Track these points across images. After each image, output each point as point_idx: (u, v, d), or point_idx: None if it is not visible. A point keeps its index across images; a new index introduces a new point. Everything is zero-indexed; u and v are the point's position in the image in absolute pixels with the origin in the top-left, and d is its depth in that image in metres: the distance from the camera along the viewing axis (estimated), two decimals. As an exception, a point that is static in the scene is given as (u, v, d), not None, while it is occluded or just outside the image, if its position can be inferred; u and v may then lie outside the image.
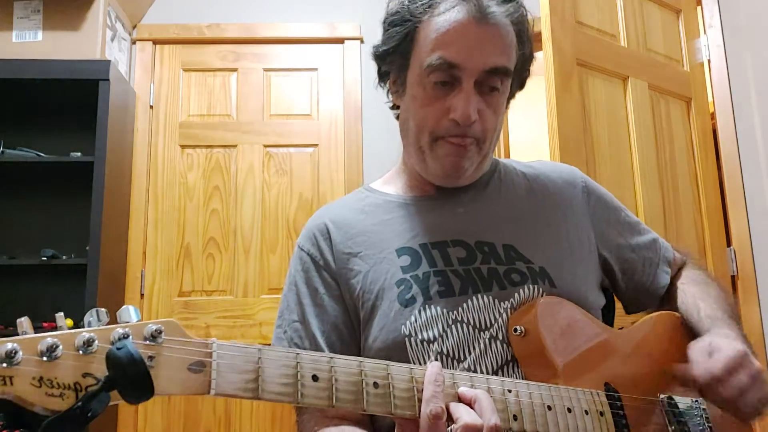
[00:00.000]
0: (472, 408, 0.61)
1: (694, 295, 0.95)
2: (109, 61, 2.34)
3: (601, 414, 0.73)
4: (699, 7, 2.23)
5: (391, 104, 0.95)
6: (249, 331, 2.48)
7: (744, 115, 2.07)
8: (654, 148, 1.93)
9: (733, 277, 2.02)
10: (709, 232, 2.02)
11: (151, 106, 2.66)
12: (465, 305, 0.80)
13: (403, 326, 0.79)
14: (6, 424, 2.13)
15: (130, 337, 0.50)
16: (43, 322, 2.23)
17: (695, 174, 2.06)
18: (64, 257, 2.31)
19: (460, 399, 0.63)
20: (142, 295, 2.50)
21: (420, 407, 0.60)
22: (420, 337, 0.78)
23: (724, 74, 2.13)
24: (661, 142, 1.96)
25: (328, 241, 0.89)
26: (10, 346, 0.45)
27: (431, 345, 0.78)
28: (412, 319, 0.79)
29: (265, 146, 2.66)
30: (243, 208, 2.59)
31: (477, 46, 0.80)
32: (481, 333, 0.79)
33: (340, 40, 2.75)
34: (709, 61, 2.16)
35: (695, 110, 2.10)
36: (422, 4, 0.83)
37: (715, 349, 0.80)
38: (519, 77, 0.90)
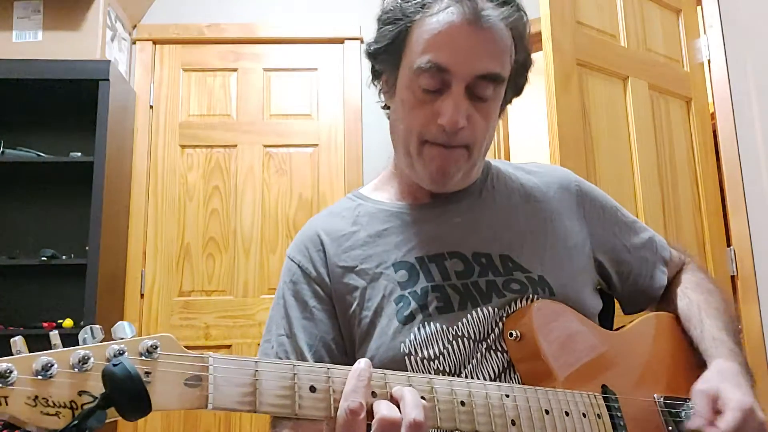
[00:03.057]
0: (397, 406, 0.59)
1: (699, 307, 0.92)
2: (109, 61, 2.34)
3: (599, 416, 0.73)
4: (699, 7, 2.23)
5: (383, 104, 0.92)
6: (249, 332, 2.48)
7: (744, 115, 2.07)
8: (654, 148, 1.93)
9: (733, 277, 2.02)
10: (709, 232, 2.02)
11: (151, 106, 2.66)
12: (465, 320, 0.79)
13: (402, 344, 0.78)
14: (6, 424, 2.13)
15: (126, 353, 0.50)
16: (43, 322, 2.24)
17: (695, 174, 2.05)
18: (64, 257, 2.31)
19: (391, 399, 0.60)
20: (142, 295, 2.50)
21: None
22: (420, 355, 0.77)
23: (724, 74, 2.13)
24: (661, 142, 1.96)
25: (321, 253, 0.86)
26: (4, 365, 0.45)
27: (432, 363, 0.77)
28: (411, 336, 0.78)
29: (265, 146, 2.66)
30: (243, 208, 2.59)
31: (469, 50, 0.78)
32: (479, 344, 0.78)
33: (340, 40, 2.75)
34: (709, 61, 2.16)
35: (695, 110, 2.10)
36: (415, 4, 0.80)
37: (722, 402, 0.76)
38: (515, 84, 0.87)
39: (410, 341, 0.78)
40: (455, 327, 0.78)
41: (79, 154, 2.35)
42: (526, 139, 3.15)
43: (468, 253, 0.84)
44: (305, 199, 2.62)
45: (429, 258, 0.83)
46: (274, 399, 0.56)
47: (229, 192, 2.61)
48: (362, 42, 2.73)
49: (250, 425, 2.41)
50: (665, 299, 0.99)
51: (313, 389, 0.57)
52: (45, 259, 2.27)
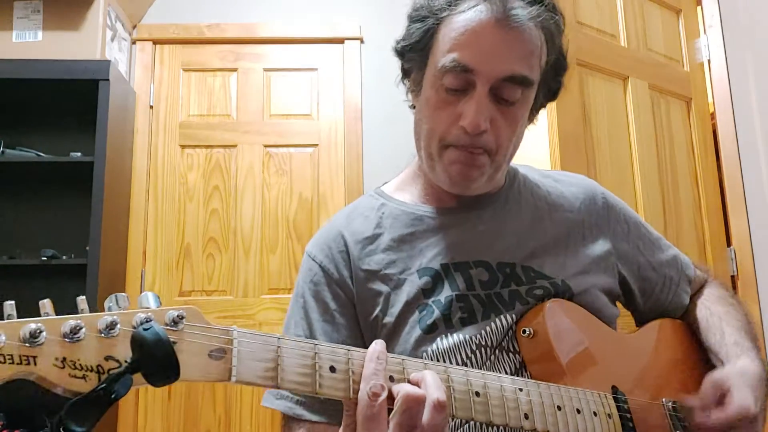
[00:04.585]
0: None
1: (720, 317, 0.91)
2: (109, 61, 2.34)
3: (609, 416, 0.73)
4: (699, 7, 2.23)
5: (410, 104, 0.89)
6: (249, 331, 2.47)
7: (744, 115, 2.07)
8: (654, 148, 1.93)
9: (733, 277, 2.02)
10: (709, 232, 2.02)
11: (151, 106, 2.66)
12: (488, 328, 0.78)
13: (424, 353, 0.77)
14: (6, 424, 2.13)
15: (153, 321, 0.50)
16: (43, 322, 2.23)
17: (695, 174, 2.06)
18: (64, 257, 2.31)
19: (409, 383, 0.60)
20: (142, 295, 2.49)
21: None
22: None
23: (724, 74, 2.13)
24: (661, 142, 1.96)
25: (344, 255, 0.84)
26: (34, 326, 0.45)
27: None
28: (434, 346, 0.77)
29: (265, 146, 2.66)
30: (243, 208, 2.59)
31: (495, 50, 0.75)
32: (496, 350, 0.78)
33: (340, 40, 2.75)
34: (709, 61, 2.16)
35: (695, 110, 2.10)
36: (444, 1, 0.78)
37: (728, 399, 0.76)
38: (547, 88, 0.85)
39: (432, 351, 0.77)
40: (477, 336, 0.77)
41: (79, 154, 2.35)
42: (526, 138, 3.14)
43: (493, 263, 0.83)
44: (305, 199, 2.62)
45: (454, 266, 0.82)
46: (295, 376, 0.56)
47: (229, 192, 2.61)
48: (362, 42, 2.73)
49: (250, 425, 2.41)
50: (685, 313, 0.98)
51: (333, 369, 0.58)
52: (45, 259, 2.27)
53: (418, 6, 0.82)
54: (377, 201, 0.91)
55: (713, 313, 0.93)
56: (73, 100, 2.42)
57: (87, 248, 2.20)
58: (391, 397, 0.57)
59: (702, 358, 0.91)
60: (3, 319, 0.46)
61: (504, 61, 0.75)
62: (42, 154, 2.40)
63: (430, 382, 0.58)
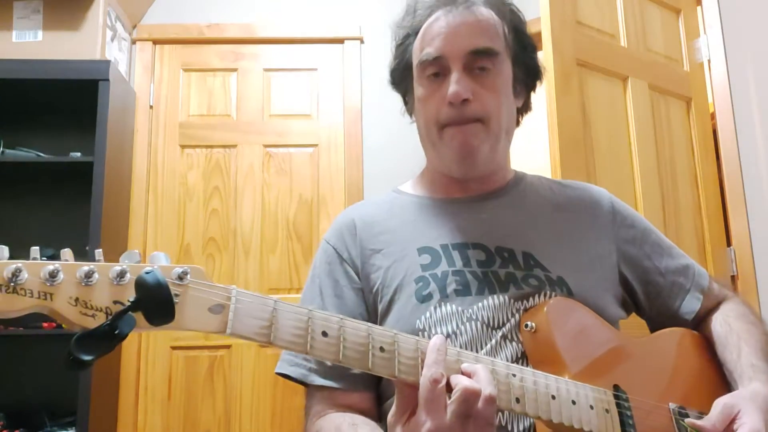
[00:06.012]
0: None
1: (739, 335, 0.91)
2: (109, 61, 2.34)
3: (607, 411, 0.73)
4: (699, 7, 2.23)
5: (413, 121, 1.00)
6: (249, 331, 2.47)
7: (744, 115, 2.07)
8: (654, 148, 1.93)
9: (733, 277, 2.02)
10: (709, 232, 2.01)
11: (151, 106, 2.66)
12: (480, 304, 0.82)
13: (417, 321, 0.82)
14: (6, 424, 2.13)
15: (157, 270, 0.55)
16: (43, 322, 2.23)
17: (695, 174, 2.05)
18: (64, 257, 2.30)
19: (462, 373, 0.65)
20: (142, 295, 2.49)
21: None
22: (433, 332, 0.80)
23: (724, 74, 2.13)
24: (661, 142, 1.96)
25: (353, 237, 0.92)
26: (52, 267, 0.54)
27: None
28: (427, 314, 0.82)
29: (265, 146, 2.66)
30: (243, 208, 2.59)
31: (455, 33, 0.88)
32: (494, 331, 0.80)
33: (340, 40, 2.75)
34: (709, 61, 2.16)
35: (695, 110, 2.10)
36: (411, 21, 0.93)
37: (738, 423, 0.76)
38: (524, 64, 0.94)
39: (425, 318, 0.82)
40: (470, 310, 0.82)
41: (79, 154, 2.35)
42: (526, 138, 3.14)
43: (491, 246, 0.88)
44: (305, 199, 2.62)
45: (453, 246, 0.88)
46: (288, 336, 0.60)
47: (229, 192, 2.61)
48: (362, 42, 2.73)
49: (250, 424, 2.41)
50: (703, 323, 0.97)
51: (325, 334, 0.62)
52: (45, 259, 2.26)
53: (395, 34, 0.97)
54: (391, 195, 1.01)
55: (732, 329, 0.92)
56: (73, 100, 2.41)
57: (87, 248, 2.20)
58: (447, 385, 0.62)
59: (718, 372, 0.90)
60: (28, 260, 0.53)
61: (465, 39, 0.88)
62: (42, 154, 2.40)
63: (482, 377, 0.63)
